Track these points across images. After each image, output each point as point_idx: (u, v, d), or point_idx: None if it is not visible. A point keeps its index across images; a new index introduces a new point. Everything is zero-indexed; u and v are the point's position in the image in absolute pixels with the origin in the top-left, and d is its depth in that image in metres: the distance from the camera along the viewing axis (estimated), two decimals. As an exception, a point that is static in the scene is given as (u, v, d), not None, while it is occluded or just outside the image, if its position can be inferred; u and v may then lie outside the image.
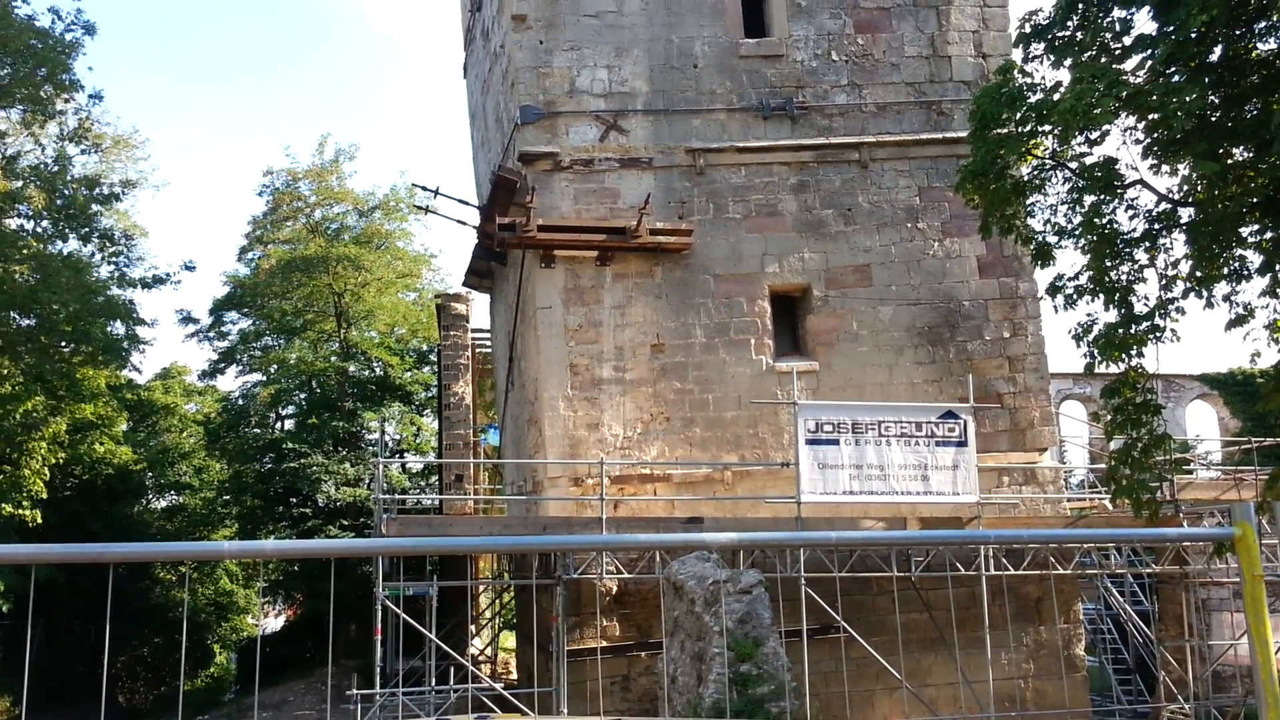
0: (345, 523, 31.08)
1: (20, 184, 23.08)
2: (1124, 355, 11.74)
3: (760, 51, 17.58)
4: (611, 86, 17.18)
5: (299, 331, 33.97)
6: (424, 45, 79.48)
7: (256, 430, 34.72)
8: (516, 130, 17.15)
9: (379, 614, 14.16)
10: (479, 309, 37.54)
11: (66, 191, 23.73)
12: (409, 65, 77.63)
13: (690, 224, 16.92)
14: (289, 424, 35.25)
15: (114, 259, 25.50)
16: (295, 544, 3.68)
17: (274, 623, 41.36)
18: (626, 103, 17.21)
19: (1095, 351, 11.92)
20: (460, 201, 20.09)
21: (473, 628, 22.76)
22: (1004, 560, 15.45)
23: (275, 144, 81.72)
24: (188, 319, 35.39)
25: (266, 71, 75.11)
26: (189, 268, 26.12)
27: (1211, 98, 11.36)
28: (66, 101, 23.99)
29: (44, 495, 25.31)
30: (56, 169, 23.94)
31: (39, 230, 23.89)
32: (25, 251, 22.71)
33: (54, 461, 26.01)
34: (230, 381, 36.68)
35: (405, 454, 34.67)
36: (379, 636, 14.12)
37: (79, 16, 23.54)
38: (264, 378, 34.84)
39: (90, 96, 24.53)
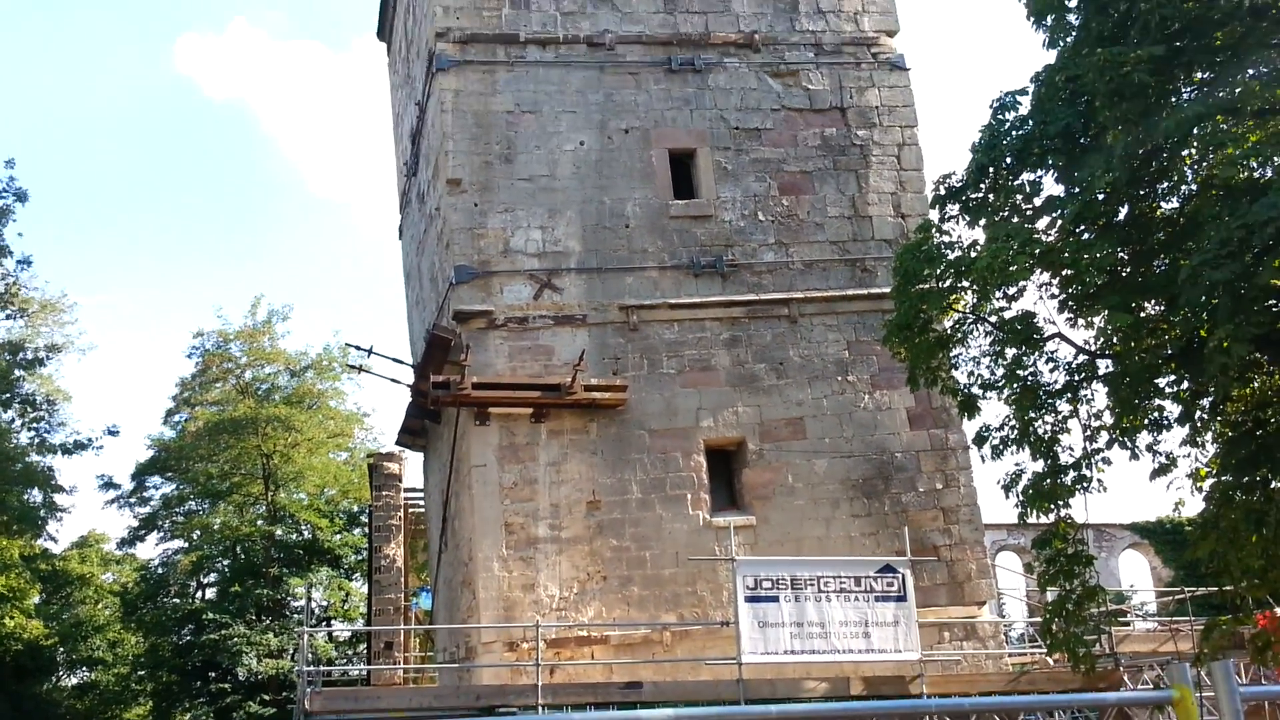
0: (267, 698, 29.70)
1: (-59, 350, 22.67)
2: (1053, 506, 11.89)
3: (690, 212, 18.10)
4: (545, 246, 17.50)
5: (224, 495, 33.17)
6: (362, 208, 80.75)
7: (176, 600, 33.44)
8: (452, 289, 17.30)
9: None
10: (412, 468, 37.04)
11: (-11, 359, 23.33)
12: (346, 228, 78.70)
13: (625, 380, 17.03)
14: (210, 593, 34.04)
15: (34, 425, 24.90)
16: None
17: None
18: (560, 261, 17.51)
19: (1025, 502, 12.05)
20: (394, 360, 20.06)
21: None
22: None
23: (208, 305, 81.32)
24: (109, 484, 34.44)
25: (203, 234, 75.52)
26: (112, 432, 25.57)
27: (1121, 254, 11.87)
28: None
29: (-53, 674, 23.92)
30: (-21, 336, 23.58)
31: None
32: (-59, 419, 22.13)
33: (-40, 637, 24.70)
34: (150, 549, 35.53)
35: (333, 621, 33.54)
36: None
37: (11, 184, 23.61)
38: (186, 544, 33.76)
39: (19, 262, 24.39)
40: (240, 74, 77.75)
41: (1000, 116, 12.52)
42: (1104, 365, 12.17)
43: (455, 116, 17.64)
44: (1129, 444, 11.77)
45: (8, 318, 25.43)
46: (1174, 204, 11.72)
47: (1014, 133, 12.31)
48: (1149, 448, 11.82)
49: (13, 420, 24.51)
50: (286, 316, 34.17)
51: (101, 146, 74.05)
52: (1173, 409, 11.64)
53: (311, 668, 14.96)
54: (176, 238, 74.12)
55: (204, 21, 79.19)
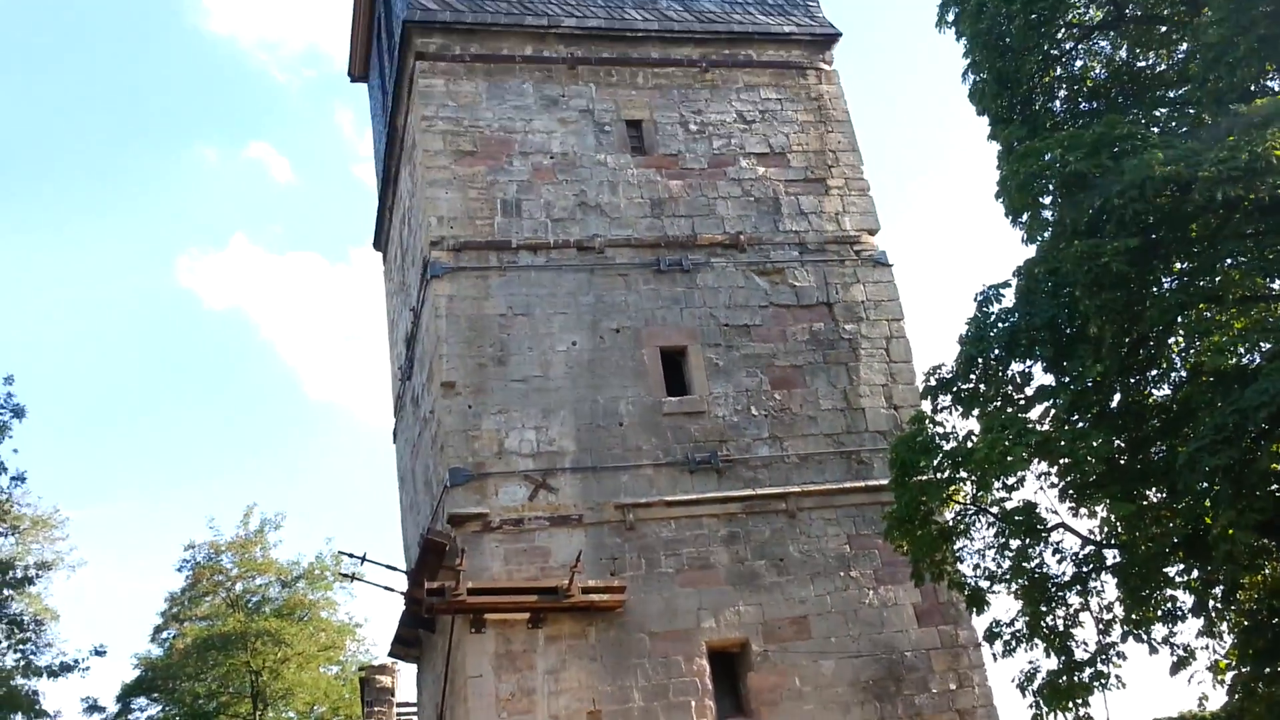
0: None
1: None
2: (1071, 705, 11.50)
3: (683, 409, 18.17)
4: (540, 446, 17.47)
5: (212, 716, 31.90)
6: (357, 412, 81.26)
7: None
8: (446, 492, 17.16)
9: None
10: (406, 680, 35.85)
11: (-22, 578, 22.87)
12: (342, 432, 79.01)
13: (623, 580, 16.69)
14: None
15: (20, 646, 24.15)
16: None
17: None
18: (555, 461, 17.44)
19: (1041, 702, 11.66)
20: (388, 567, 19.68)
21: None
22: None
23: (200, 515, 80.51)
24: (93, 708, 33.12)
25: (199, 443, 75.65)
26: (99, 653, 24.77)
27: (1117, 442, 11.89)
28: None
29: None
30: (-34, 553, 23.18)
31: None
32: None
33: None
34: (133, 777, 33.84)
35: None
36: None
37: (9, 400, 23.65)
38: (171, 771, 32.30)
39: (12, 479, 24.18)
40: (239, 285, 79.70)
41: (985, 309, 12.80)
42: (1111, 555, 12.02)
43: (449, 321, 17.93)
44: (1144, 636, 11.50)
45: (0, 535, 25.09)
46: (1165, 391, 11.86)
47: (1000, 324, 12.55)
48: (1165, 640, 11.55)
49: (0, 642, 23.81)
50: (279, 525, 33.80)
51: (100, 359, 75.12)
52: (1185, 599, 11.43)
53: None
54: (172, 447, 74.14)
55: (205, 237, 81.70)
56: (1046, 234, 12.86)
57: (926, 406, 13.88)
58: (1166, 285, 11.57)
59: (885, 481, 14.78)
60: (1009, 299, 12.78)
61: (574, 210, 19.12)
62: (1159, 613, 11.49)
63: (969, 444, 12.24)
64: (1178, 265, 11.81)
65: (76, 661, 24.52)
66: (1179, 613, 11.48)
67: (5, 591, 23.69)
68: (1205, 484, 9.68)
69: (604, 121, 19.92)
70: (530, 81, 19.94)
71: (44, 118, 74.85)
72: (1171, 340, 11.37)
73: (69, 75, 73.43)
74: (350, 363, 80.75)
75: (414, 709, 24.67)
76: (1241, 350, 10.46)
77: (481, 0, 20.21)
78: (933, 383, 13.31)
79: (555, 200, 19.09)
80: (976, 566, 12.86)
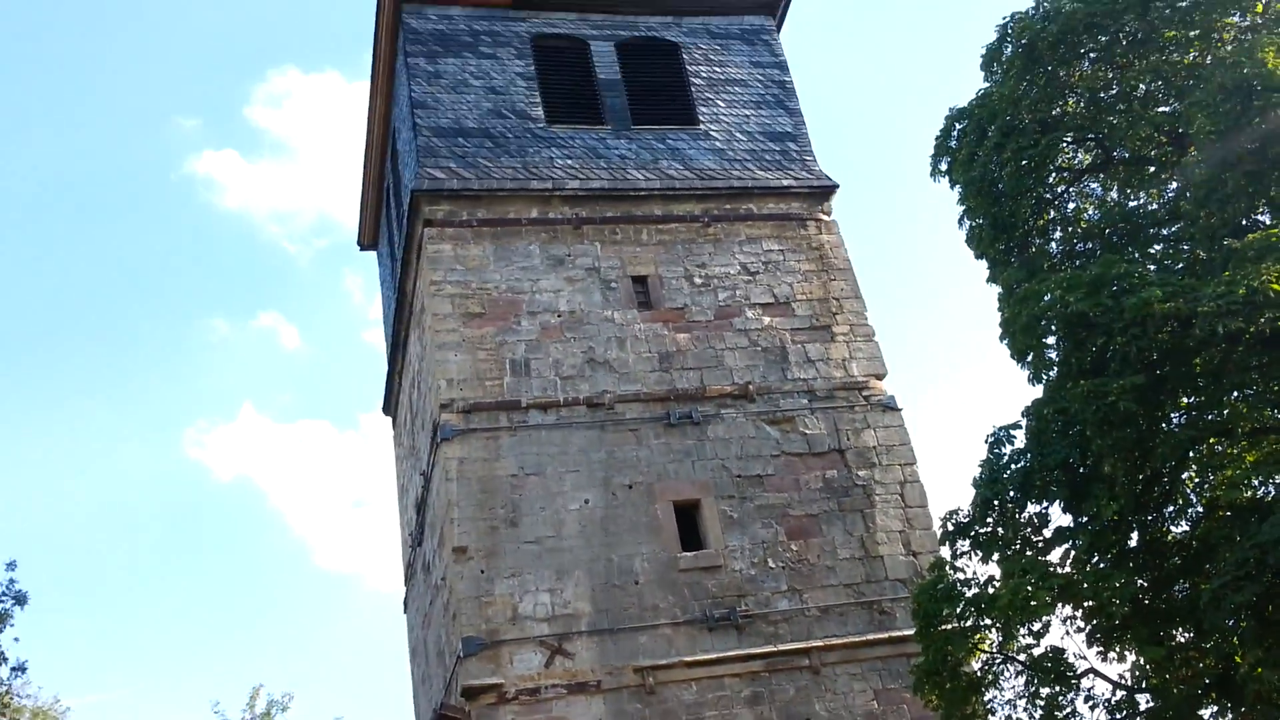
0: None
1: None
2: None
3: (699, 564, 17.90)
4: (555, 610, 17.15)
5: None
6: (367, 581, 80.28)
7: None
8: (459, 664, 16.77)
9: None
10: None
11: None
12: (351, 602, 77.81)
13: (644, 747, 16.13)
14: None
15: None
16: None
17: None
18: (571, 625, 17.09)
19: None
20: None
21: None
22: None
23: (205, 698, 78.58)
24: None
25: (205, 619, 74.38)
26: None
27: (1140, 581, 11.64)
28: None
29: None
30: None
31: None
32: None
33: None
34: None
35: None
36: None
37: (10, 586, 23.27)
38: None
39: (13, 669, 23.57)
40: (247, 455, 79.78)
41: (997, 450, 12.73)
42: (1144, 700, 11.62)
43: (460, 484, 17.87)
44: (1187, 788, 11.00)
45: (-3, 725, 24.40)
46: (1184, 527, 11.67)
47: (1013, 466, 12.46)
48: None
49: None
50: (286, 707, 32.80)
51: (106, 536, 74.46)
52: (1226, 745, 10.98)
53: None
54: (178, 625, 72.87)
55: (214, 408, 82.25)
56: (1052, 373, 12.91)
57: (945, 552, 13.66)
58: (1175, 421, 11.53)
59: (909, 632, 14.44)
60: (1020, 440, 12.73)
61: (583, 367, 19.28)
62: (1199, 760, 11.04)
63: (990, 590, 12.00)
64: (1185, 400, 11.79)
65: None
66: (1220, 760, 11.03)
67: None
68: (1231, 622, 9.42)
69: (610, 278, 20.27)
70: (537, 242, 20.39)
71: (54, 291, 76.23)
72: (1185, 475, 11.25)
73: (83, 250, 75.30)
74: (360, 530, 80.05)
75: None
76: (1256, 483, 10.34)
77: (488, 167, 20.85)
78: (950, 528, 13.14)
79: (564, 358, 19.27)
80: (1008, 718, 12.43)
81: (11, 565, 23.45)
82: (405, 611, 24.08)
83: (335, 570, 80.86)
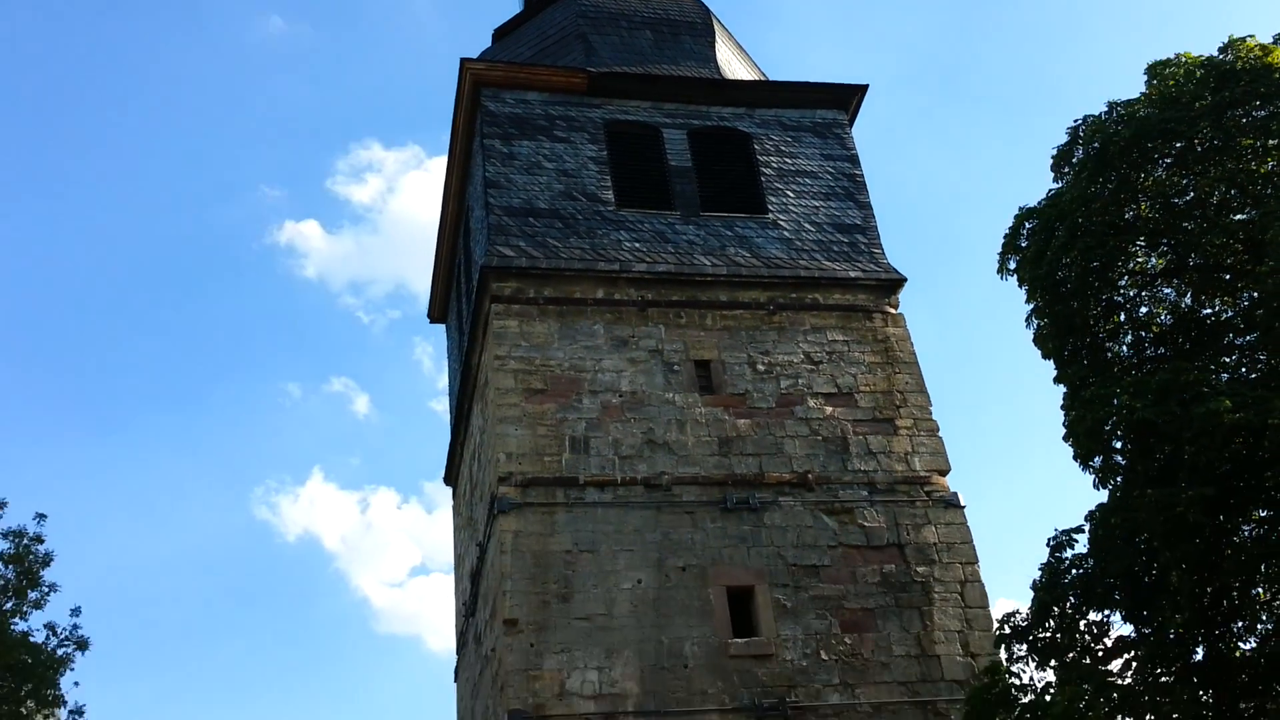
0: None
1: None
2: None
3: (750, 651, 17.70)
4: (602, 688, 17.03)
5: None
6: (425, 647, 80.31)
7: None
8: (504, 736, 16.69)
9: None
10: None
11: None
12: (408, 667, 77.76)
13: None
14: None
15: None
16: None
17: None
18: (618, 704, 16.95)
19: None
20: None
21: None
22: None
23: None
24: None
25: (256, 678, 74.82)
26: None
27: (1204, 697, 11.31)
28: (45, 718, 23.50)
29: None
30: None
31: None
32: None
33: None
34: None
35: None
36: None
37: (74, 631, 23.85)
38: None
39: (71, 713, 24.04)
40: (314, 517, 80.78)
41: (1058, 554, 12.52)
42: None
43: (514, 557, 17.94)
44: None
45: (53, 771, 24.74)
46: (1252, 644, 11.33)
47: (1074, 571, 12.26)
48: None
49: None
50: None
51: (170, 591, 75.43)
52: None
53: None
54: (237, 679, 73.41)
55: (284, 469, 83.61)
56: (1118, 479, 12.72)
57: (1002, 655, 13.39)
58: (1246, 533, 11.27)
59: (962, 733, 14.10)
60: (1082, 545, 12.52)
61: (642, 448, 19.36)
62: None
63: (1047, 696, 11.73)
64: (1256, 514, 11.54)
65: None
66: None
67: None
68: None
69: (673, 361, 20.42)
70: (601, 323, 20.65)
71: (139, 349, 78.66)
72: (1255, 591, 10.98)
73: (169, 311, 77.66)
74: (420, 598, 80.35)
75: None
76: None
77: (555, 248, 21.26)
78: (1007, 630, 12.92)
79: (623, 438, 19.37)
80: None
81: (76, 611, 24.01)
82: (455, 680, 24.04)
83: (394, 633, 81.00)
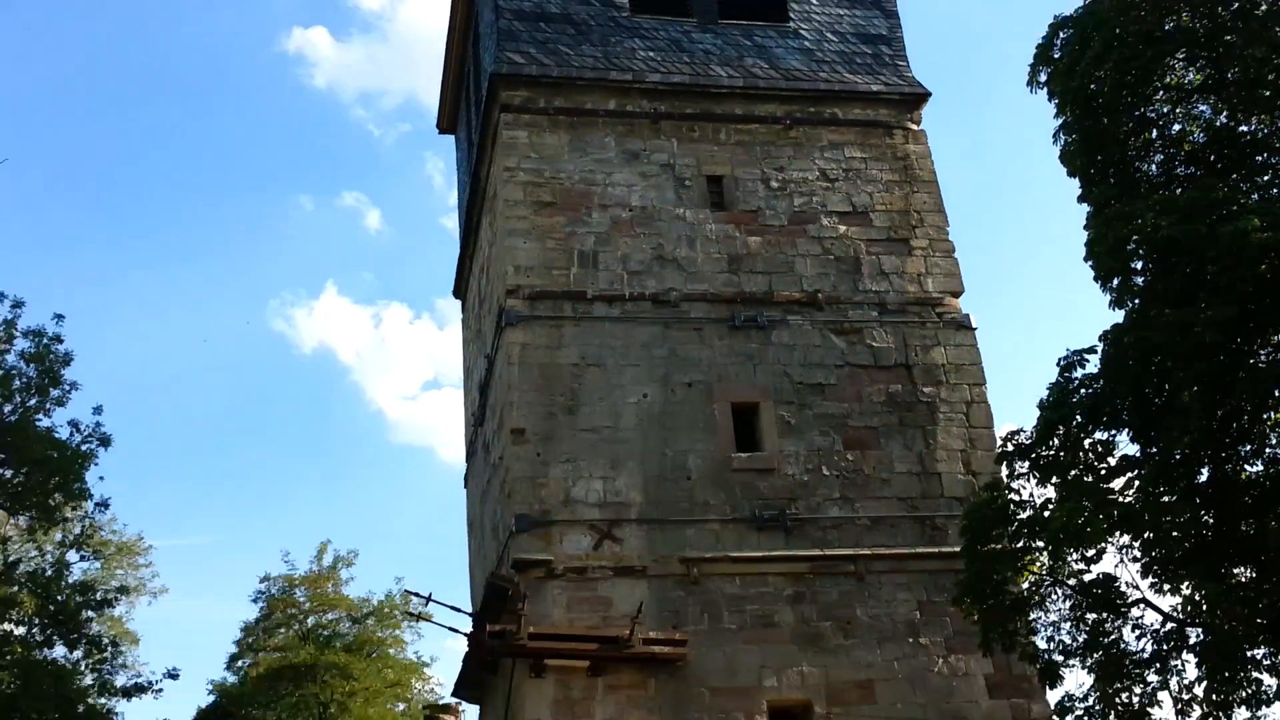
0: None
1: (15, 589, 22.82)
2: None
3: (752, 465, 17.95)
4: (606, 497, 17.38)
5: (281, 745, 32.22)
6: (437, 459, 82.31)
7: None
8: (511, 538, 17.15)
9: None
10: (468, 722, 35.86)
11: (59, 598, 23.43)
12: (420, 477, 79.98)
13: (685, 634, 16.45)
14: None
15: (98, 667, 24.62)
16: None
17: None
18: (621, 513, 17.33)
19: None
20: (452, 609, 19.61)
21: None
22: None
23: (275, 551, 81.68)
24: (169, 729, 33.64)
25: (276, 479, 77.07)
26: (172, 675, 25.11)
27: (1205, 517, 11.43)
28: (74, 510, 24.22)
29: None
30: (52, 574, 23.80)
31: (26, 636, 23.29)
32: (9, 658, 22.02)
33: None
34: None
35: None
36: None
37: (97, 429, 24.33)
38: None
39: (96, 505, 24.79)
40: (329, 330, 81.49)
41: (1068, 374, 12.44)
42: (1194, 634, 11.51)
43: (522, 369, 18.00)
44: (1224, 719, 10.93)
45: (82, 559, 25.69)
46: (1259, 467, 11.37)
47: (1083, 391, 12.20)
48: (1247, 725, 10.97)
49: (78, 661, 24.31)
50: (351, 563, 34.27)
51: (190, 397, 76.99)
52: (1270, 682, 10.86)
53: None
54: (255, 483, 75.73)
55: (298, 283, 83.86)
56: (1136, 300, 12.51)
57: (1002, 473, 13.51)
58: (1263, 357, 11.14)
59: (959, 549, 14.37)
60: (1093, 365, 12.41)
61: (650, 263, 19.15)
62: (1242, 695, 10.94)
63: (1045, 513, 11.87)
64: (1275, 337, 11.38)
65: (151, 683, 24.97)
66: (1264, 696, 10.92)
67: (86, 613, 24.21)
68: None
69: (684, 176, 19.98)
70: (612, 135, 20.11)
71: (149, 159, 77.80)
72: (1266, 416, 10.93)
73: (178, 121, 76.36)
74: (433, 411, 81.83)
75: (472, 754, 24.50)
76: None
77: (567, 55, 20.52)
78: (1010, 448, 12.97)
79: (632, 253, 19.15)
80: (1051, 639, 12.41)
81: (98, 410, 24.46)
82: (465, 487, 24.57)
83: (407, 444, 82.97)
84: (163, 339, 76.48)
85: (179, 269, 77.50)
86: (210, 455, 76.24)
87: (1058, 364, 12.62)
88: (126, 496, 76.29)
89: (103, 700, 24.23)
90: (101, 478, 25.23)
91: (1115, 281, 12.49)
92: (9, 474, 22.95)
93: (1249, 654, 10.82)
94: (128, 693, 24.63)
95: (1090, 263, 12.63)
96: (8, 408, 23.17)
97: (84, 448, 23.89)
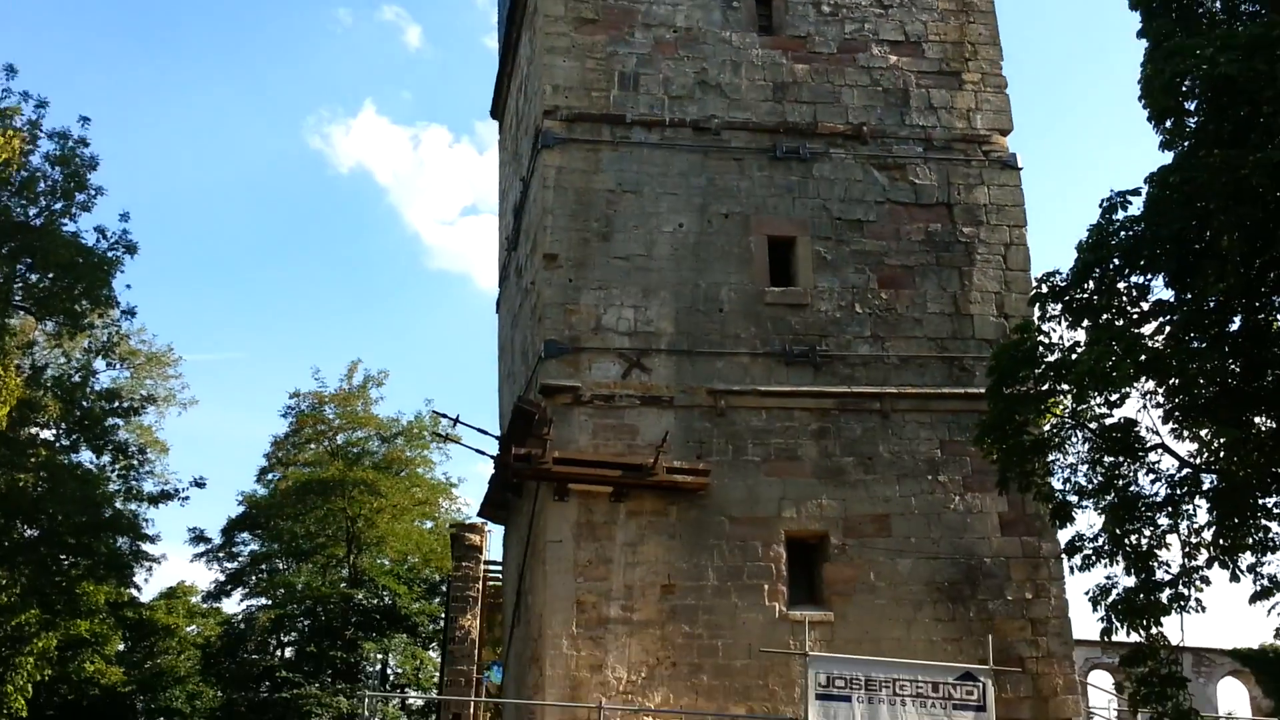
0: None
1: (41, 393, 23.28)
2: (1144, 623, 11.21)
3: (785, 300, 17.90)
4: (637, 326, 17.46)
5: (309, 555, 33.58)
6: (473, 284, 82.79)
7: (254, 656, 33.64)
8: (540, 364, 17.35)
9: None
10: (495, 541, 37.12)
11: (85, 404, 23.94)
12: (455, 301, 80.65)
13: (708, 464, 16.76)
14: (289, 651, 34.20)
15: (125, 473, 25.42)
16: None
17: None
18: (651, 342, 17.43)
19: (1113, 616, 11.40)
20: (480, 431, 20.13)
21: None
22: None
23: (306, 369, 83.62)
24: (199, 538, 35.13)
25: (310, 302, 78.05)
26: (199, 484, 26.03)
27: (1232, 365, 11.31)
28: (100, 316, 24.39)
29: (24, 714, 24.28)
30: (78, 380, 24.25)
31: (53, 440, 23.99)
32: (35, 460, 22.66)
33: (39, 678, 25.11)
34: (235, 604, 35.93)
35: (405, 689, 33.35)
36: None
37: (124, 235, 24.17)
38: (269, 601, 34.08)
39: (123, 312, 24.83)
40: (367, 150, 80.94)
41: (1110, 216, 12.15)
42: (1208, 480, 11.55)
43: (557, 193, 17.86)
44: (1230, 564, 11.08)
45: (109, 366, 26.14)
46: (1291, 317, 11.17)
47: (1123, 233, 11.92)
48: (1251, 569, 11.11)
49: (105, 466, 25.04)
50: (381, 383, 34.87)
51: (223, 210, 77.47)
52: (1278, 529, 10.93)
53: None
54: (288, 300, 76.81)
55: (335, 100, 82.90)
56: (1187, 144, 12.07)
57: (1035, 314, 13.37)
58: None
59: (985, 389, 14.37)
60: (1136, 207, 12.09)
61: (693, 88, 18.69)
62: (1249, 541, 11.05)
63: (1073, 356, 11.79)
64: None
65: (177, 490, 25.87)
66: (1270, 543, 11.02)
67: (112, 420, 24.74)
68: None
69: (733, -4, 19.25)
70: (659, -51, 19.31)
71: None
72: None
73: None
74: (471, 237, 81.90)
75: (500, 568, 25.50)
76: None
77: None
78: (1044, 290, 12.80)
79: (674, 76, 18.67)
80: (1067, 480, 12.52)
81: (124, 217, 24.42)
82: (497, 311, 24.77)
83: (443, 269, 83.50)
84: (196, 152, 76.50)
85: (213, 81, 76.85)
86: (244, 271, 77.24)
87: (1100, 205, 12.32)
88: (158, 309, 77.79)
89: (131, 506, 25.05)
90: (129, 286, 25.63)
91: (1168, 122, 12.03)
92: (35, 278, 22.93)
93: (1259, 501, 10.88)
94: (154, 499, 25.51)
95: (1143, 101, 12.15)
96: (33, 210, 22.94)
97: (110, 254, 23.80)
